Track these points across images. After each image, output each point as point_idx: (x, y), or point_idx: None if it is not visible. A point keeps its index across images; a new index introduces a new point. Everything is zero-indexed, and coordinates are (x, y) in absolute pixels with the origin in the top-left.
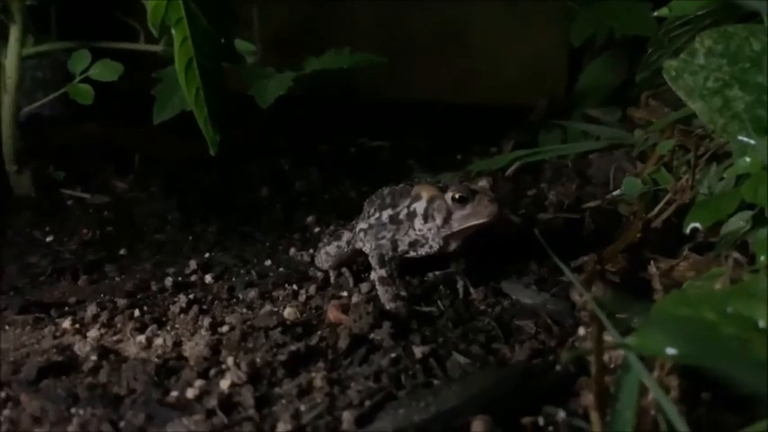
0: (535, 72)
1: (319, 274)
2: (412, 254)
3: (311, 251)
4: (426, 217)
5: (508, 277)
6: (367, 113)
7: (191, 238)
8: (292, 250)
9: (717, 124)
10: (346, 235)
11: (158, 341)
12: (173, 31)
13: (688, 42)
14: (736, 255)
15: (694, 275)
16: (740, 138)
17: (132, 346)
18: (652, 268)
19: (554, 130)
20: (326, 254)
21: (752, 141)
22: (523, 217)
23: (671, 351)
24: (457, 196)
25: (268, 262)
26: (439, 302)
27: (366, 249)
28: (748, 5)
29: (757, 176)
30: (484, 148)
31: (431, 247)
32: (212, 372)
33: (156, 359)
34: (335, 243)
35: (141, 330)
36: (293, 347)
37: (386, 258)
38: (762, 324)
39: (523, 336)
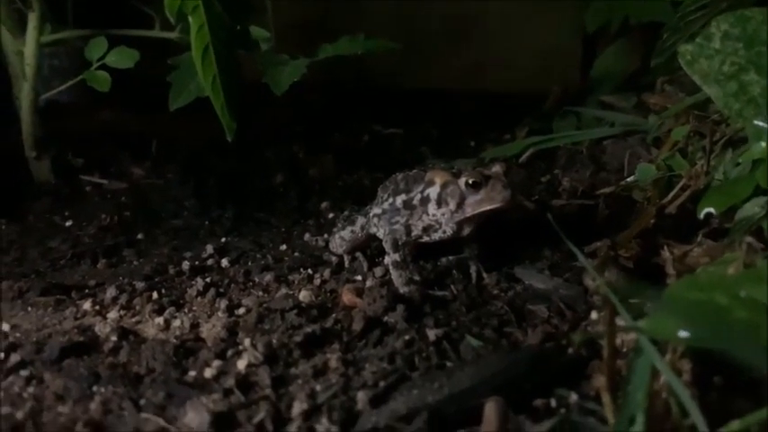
0: (549, 59)
1: (333, 259)
2: (425, 239)
3: (326, 236)
4: (440, 202)
5: (521, 262)
6: (381, 101)
7: (207, 223)
8: (307, 235)
9: (732, 109)
10: (360, 220)
11: (176, 323)
12: (189, 19)
13: (704, 26)
14: (750, 240)
15: (708, 261)
16: (756, 122)
17: (151, 327)
18: (665, 254)
19: (568, 116)
20: (341, 239)
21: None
22: (537, 203)
23: (683, 334)
24: (470, 181)
25: (283, 247)
26: (452, 287)
27: (380, 234)
28: None
29: None
30: (498, 136)
31: (444, 231)
32: (229, 352)
33: (175, 340)
34: (349, 228)
35: (159, 312)
36: (309, 329)
37: (399, 243)
38: None
39: (536, 320)
